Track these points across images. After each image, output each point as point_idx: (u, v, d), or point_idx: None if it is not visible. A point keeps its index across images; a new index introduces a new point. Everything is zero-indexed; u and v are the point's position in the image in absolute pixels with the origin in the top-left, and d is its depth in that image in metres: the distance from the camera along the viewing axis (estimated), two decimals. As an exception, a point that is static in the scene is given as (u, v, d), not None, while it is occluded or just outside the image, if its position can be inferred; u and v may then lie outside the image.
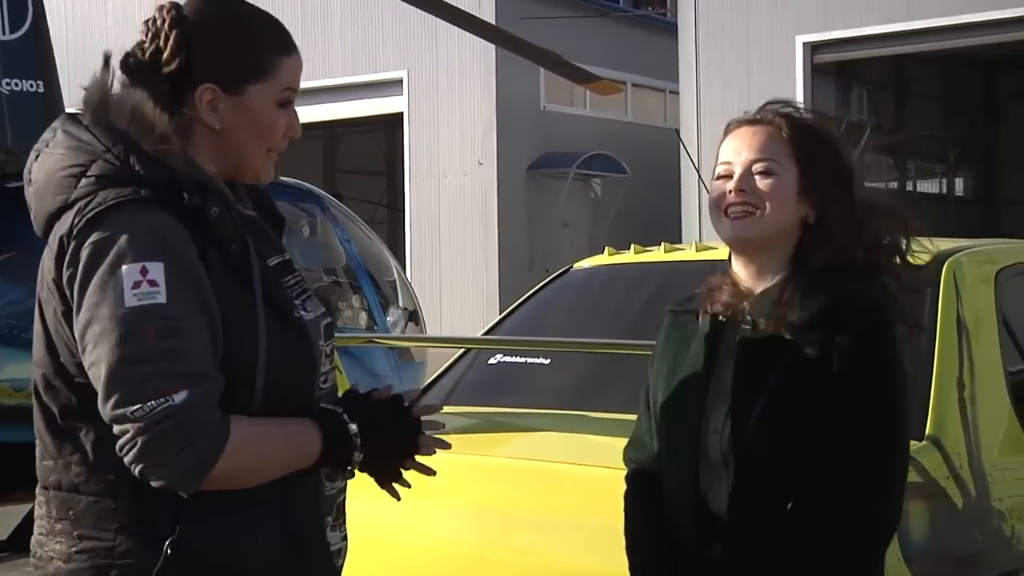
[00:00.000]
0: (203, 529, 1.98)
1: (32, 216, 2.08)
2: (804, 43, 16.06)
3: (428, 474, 2.22)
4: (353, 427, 2.09)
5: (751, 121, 2.47)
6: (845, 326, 2.32)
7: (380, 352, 6.87)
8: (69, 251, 1.95)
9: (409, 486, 2.23)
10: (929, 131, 19.56)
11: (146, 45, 2.10)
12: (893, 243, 2.47)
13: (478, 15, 9.76)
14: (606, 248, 4.39)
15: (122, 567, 1.97)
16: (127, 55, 2.12)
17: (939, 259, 3.51)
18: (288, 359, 2.06)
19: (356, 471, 2.16)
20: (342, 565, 2.31)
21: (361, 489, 2.26)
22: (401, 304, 7.08)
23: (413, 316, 7.21)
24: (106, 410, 1.91)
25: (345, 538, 2.33)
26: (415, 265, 18.45)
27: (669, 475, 2.47)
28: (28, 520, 5.73)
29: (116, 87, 2.10)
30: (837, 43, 16.00)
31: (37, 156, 2.07)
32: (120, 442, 1.91)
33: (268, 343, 2.02)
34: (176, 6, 2.13)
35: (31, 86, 5.62)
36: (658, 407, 2.51)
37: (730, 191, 2.41)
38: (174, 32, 2.09)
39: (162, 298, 1.91)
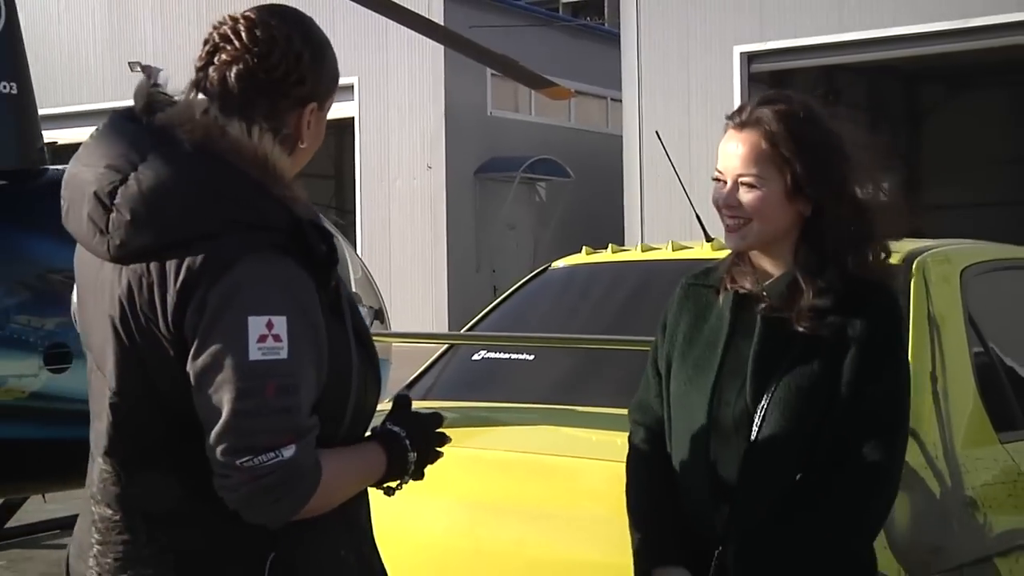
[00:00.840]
0: (298, 549, 2.02)
1: (117, 242, 1.96)
2: (741, 53, 16.31)
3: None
4: (413, 455, 2.13)
5: (739, 125, 2.52)
6: (857, 310, 2.44)
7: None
8: (197, 295, 1.91)
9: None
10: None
11: (269, 63, 2.02)
12: (887, 238, 2.56)
13: (429, 22, 9.78)
14: (583, 248, 4.45)
15: None
16: (247, 74, 2.01)
17: (908, 258, 3.59)
18: (367, 388, 2.10)
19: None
20: None
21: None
22: (366, 303, 7.08)
23: (378, 315, 7.21)
24: (214, 454, 1.91)
25: None
26: (364, 267, 18.45)
27: (681, 439, 2.56)
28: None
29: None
30: (772, 53, 16.29)
31: (124, 180, 1.95)
32: (220, 483, 1.92)
33: (358, 378, 2.06)
34: (284, 20, 2.06)
35: (4, 87, 5.48)
36: (672, 374, 2.60)
37: (720, 206, 2.52)
38: (301, 50, 2.03)
39: (284, 354, 1.90)
